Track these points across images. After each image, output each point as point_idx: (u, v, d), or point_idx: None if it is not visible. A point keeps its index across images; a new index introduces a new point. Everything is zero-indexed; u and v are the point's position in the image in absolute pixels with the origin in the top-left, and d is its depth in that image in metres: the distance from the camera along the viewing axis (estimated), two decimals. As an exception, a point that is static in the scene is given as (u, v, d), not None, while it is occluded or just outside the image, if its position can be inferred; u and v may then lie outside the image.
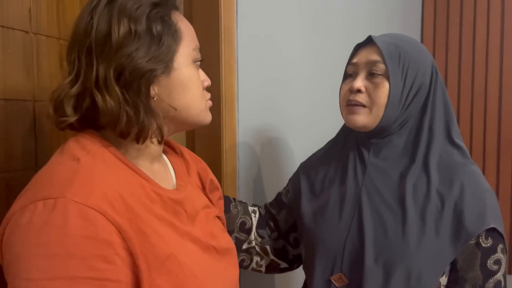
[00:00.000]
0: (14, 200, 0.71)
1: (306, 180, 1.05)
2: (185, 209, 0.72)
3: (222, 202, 0.91)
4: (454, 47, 2.61)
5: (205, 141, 1.25)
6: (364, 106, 0.89)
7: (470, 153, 2.51)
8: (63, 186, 0.56)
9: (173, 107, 0.69)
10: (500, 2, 2.43)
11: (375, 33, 0.95)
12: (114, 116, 0.62)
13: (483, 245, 0.85)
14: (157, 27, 0.65)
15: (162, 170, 0.76)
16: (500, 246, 0.86)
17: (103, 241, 0.55)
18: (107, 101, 0.61)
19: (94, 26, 0.64)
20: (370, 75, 0.90)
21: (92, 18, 0.64)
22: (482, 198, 0.87)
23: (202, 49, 1.24)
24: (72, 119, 0.64)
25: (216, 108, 1.22)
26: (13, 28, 0.80)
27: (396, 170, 0.91)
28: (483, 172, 2.51)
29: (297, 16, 1.53)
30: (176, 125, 0.73)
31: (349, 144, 1.00)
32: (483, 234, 0.85)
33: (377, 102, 0.89)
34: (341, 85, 0.97)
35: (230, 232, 1.01)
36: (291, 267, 1.11)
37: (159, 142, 0.69)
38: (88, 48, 0.64)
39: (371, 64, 0.89)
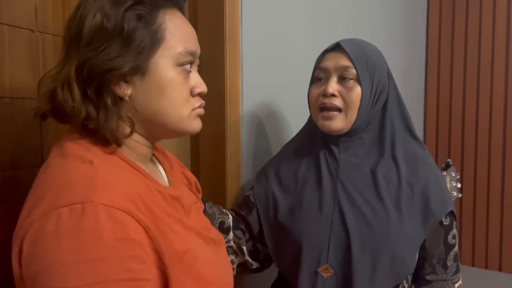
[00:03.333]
0: (21, 197, 0.69)
1: (275, 180, 1.06)
2: (182, 205, 0.73)
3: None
4: (460, 45, 2.59)
5: (209, 139, 1.26)
6: (339, 110, 0.95)
7: (475, 152, 2.53)
8: (87, 190, 0.54)
9: (149, 111, 0.66)
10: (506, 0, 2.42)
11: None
12: (72, 112, 0.61)
13: (445, 223, 0.99)
14: (129, 26, 0.61)
15: (154, 170, 0.77)
16: (454, 223, 1.01)
17: (134, 241, 0.55)
18: (65, 96, 0.61)
19: (76, 20, 0.63)
20: (342, 80, 0.95)
21: (77, 11, 0.64)
22: (441, 186, 1.00)
23: (207, 47, 1.25)
24: (43, 109, 0.63)
25: (220, 106, 1.22)
26: (19, 27, 0.80)
27: (367, 165, 0.99)
28: (488, 170, 2.52)
29: (301, 12, 1.52)
30: (158, 130, 0.70)
31: (316, 142, 1.04)
32: (444, 216, 0.99)
33: (351, 106, 0.95)
34: (309, 89, 1.02)
35: None
36: (262, 267, 1.12)
37: (118, 145, 0.65)
38: (67, 42, 0.64)
39: (342, 69, 0.95)
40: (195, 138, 1.29)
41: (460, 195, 1.75)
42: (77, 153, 0.61)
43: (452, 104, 2.65)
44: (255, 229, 1.07)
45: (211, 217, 1.01)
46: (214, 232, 0.80)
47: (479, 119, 2.57)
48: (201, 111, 0.73)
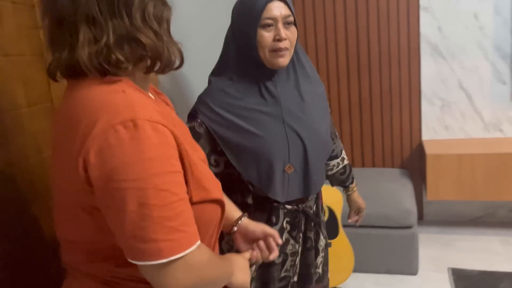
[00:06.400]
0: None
1: (225, 109, 1.25)
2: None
3: None
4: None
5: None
6: (287, 49, 1.24)
7: (347, 68, 2.95)
8: (131, 110, 0.69)
9: None
10: None
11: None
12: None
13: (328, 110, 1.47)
14: None
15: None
16: None
17: (171, 145, 0.72)
18: None
19: None
20: (285, 24, 1.24)
21: None
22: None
23: None
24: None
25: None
26: None
27: (291, 85, 1.31)
28: (359, 82, 2.98)
29: None
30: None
31: (253, 76, 1.28)
32: None
33: (293, 44, 1.26)
34: (259, 32, 1.22)
35: None
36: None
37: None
38: None
39: (285, 17, 1.23)
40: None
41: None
42: (108, 88, 0.73)
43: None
44: (205, 151, 1.22)
45: None
46: (202, 152, 0.93)
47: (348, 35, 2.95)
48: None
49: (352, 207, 1.69)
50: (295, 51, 1.30)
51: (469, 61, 2.86)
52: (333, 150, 1.57)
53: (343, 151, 1.62)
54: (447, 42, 2.86)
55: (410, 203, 2.50)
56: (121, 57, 0.73)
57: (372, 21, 2.91)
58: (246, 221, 1.13)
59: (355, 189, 1.67)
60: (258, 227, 1.11)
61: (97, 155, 0.67)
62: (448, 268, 2.51)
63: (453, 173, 2.64)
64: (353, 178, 1.66)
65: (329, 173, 1.60)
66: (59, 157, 0.77)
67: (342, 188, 1.70)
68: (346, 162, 1.62)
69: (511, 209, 3.02)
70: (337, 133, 1.59)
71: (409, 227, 2.45)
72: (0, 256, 1.04)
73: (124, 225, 0.67)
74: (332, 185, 1.68)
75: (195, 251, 0.72)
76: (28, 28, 1.22)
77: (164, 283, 0.70)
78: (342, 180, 1.63)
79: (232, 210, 1.14)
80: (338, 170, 1.60)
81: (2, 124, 1.09)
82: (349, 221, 1.72)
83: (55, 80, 0.78)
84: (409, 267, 2.49)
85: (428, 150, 2.74)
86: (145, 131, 0.68)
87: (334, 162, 1.58)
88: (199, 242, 0.74)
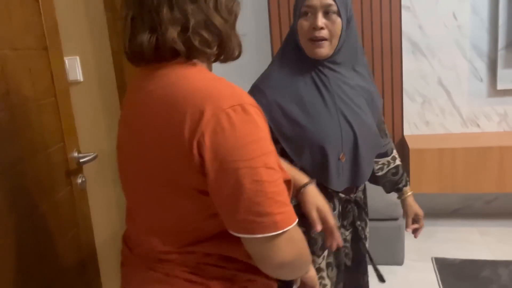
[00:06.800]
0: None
1: (279, 96, 1.25)
2: None
3: None
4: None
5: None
6: (326, 39, 1.20)
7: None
8: (236, 96, 0.74)
9: None
10: None
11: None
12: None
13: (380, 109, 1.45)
14: None
15: None
16: None
17: (267, 127, 0.76)
18: None
19: None
20: (326, 14, 1.20)
21: None
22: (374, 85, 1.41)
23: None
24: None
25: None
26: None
27: (344, 77, 1.29)
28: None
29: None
30: None
31: (306, 66, 1.27)
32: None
33: (334, 35, 1.21)
34: (297, 21, 1.24)
35: None
36: None
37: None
38: None
39: (326, 6, 1.19)
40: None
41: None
42: (205, 75, 0.78)
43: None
44: None
45: None
46: None
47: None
48: None
49: (409, 213, 1.52)
50: (348, 43, 1.27)
51: (448, 58, 2.98)
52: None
53: (394, 151, 1.54)
54: (427, 40, 2.97)
55: (395, 196, 2.57)
56: (208, 37, 0.77)
57: (356, 20, 2.98)
58: (310, 189, 1.09)
59: (409, 193, 1.54)
60: (309, 206, 1.07)
61: (212, 137, 0.70)
62: (432, 258, 2.62)
63: (434, 167, 2.74)
64: (407, 181, 1.54)
65: (380, 173, 1.51)
66: (150, 144, 0.77)
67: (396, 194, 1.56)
68: (398, 162, 1.53)
69: (487, 201, 3.16)
70: (387, 132, 1.52)
71: (395, 219, 2.54)
72: (10, 251, 1.03)
73: (239, 201, 0.71)
74: (386, 190, 1.54)
75: (296, 225, 0.76)
76: (33, 21, 1.21)
77: (270, 255, 0.75)
78: (395, 182, 1.53)
79: (300, 174, 1.13)
80: (390, 169, 1.52)
81: (13, 118, 1.08)
82: (408, 230, 1.52)
83: (137, 66, 0.80)
84: (395, 258, 2.58)
85: (411, 144, 2.83)
86: (251, 114, 0.73)
87: (384, 160, 1.51)
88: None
